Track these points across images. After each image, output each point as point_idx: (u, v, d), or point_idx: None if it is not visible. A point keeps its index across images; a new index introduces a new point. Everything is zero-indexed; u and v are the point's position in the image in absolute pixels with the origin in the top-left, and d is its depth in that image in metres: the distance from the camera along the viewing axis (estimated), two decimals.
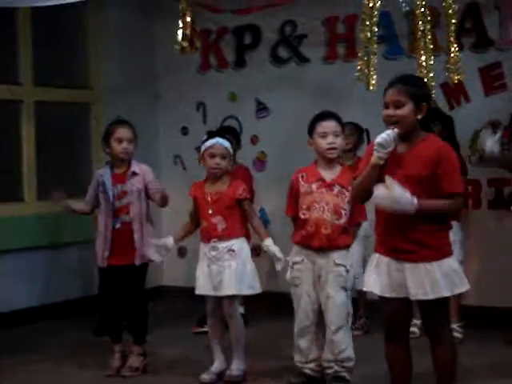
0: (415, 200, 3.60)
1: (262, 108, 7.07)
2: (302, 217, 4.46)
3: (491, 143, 5.13)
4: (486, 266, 6.03)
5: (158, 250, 4.83)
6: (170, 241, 4.81)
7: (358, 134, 5.83)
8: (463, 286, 3.81)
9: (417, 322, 5.26)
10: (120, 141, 5.02)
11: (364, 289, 3.98)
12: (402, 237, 3.72)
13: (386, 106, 3.76)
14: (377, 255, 3.84)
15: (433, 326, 3.83)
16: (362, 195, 3.88)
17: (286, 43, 6.92)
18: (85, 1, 5.81)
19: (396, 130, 3.68)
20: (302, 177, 4.51)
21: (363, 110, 6.18)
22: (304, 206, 4.45)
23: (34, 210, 6.42)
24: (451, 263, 3.76)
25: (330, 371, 4.48)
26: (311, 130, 4.50)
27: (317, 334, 4.49)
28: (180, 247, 7.08)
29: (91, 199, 5.12)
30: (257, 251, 6.99)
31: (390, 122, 3.72)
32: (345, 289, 4.44)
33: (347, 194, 4.38)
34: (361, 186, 3.83)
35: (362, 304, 5.80)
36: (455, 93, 6.16)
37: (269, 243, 4.67)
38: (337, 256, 4.41)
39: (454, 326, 5.56)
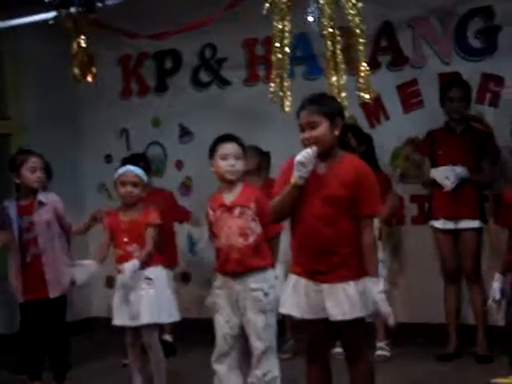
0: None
1: (185, 133, 7.03)
2: (216, 245, 4.39)
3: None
4: (411, 282, 6.05)
5: (83, 271, 4.71)
6: (93, 263, 4.72)
7: (259, 157, 5.80)
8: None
9: None
10: (33, 170, 4.93)
11: (282, 311, 3.94)
12: (318, 259, 3.70)
13: (302, 129, 3.73)
14: (294, 276, 3.81)
15: (350, 346, 3.81)
16: (280, 215, 3.84)
17: (207, 67, 6.91)
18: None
19: (315, 148, 3.66)
20: (210, 205, 4.44)
21: (286, 130, 6.15)
22: (214, 234, 4.39)
23: None
24: (366, 283, 3.73)
25: None
26: (212, 153, 4.42)
27: (237, 361, 4.40)
28: (108, 277, 6.96)
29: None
30: (186, 278, 6.97)
31: (308, 145, 3.70)
32: (264, 312, 4.35)
33: (250, 212, 4.30)
34: (280, 206, 3.77)
35: (289, 326, 5.76)
36: (375, 111, 6.21)
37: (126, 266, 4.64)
38: (252, 280, 4.31)
39: (381, 344, 5.59)
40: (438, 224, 5.52)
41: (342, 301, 3.67)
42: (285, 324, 5.58)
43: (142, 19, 6.32)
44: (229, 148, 4.37)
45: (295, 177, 3.67)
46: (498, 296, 4.46)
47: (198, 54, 6.91)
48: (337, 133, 3.72)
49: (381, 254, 5.53)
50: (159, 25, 6.10)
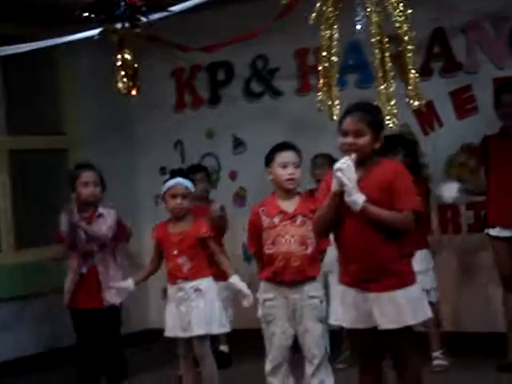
0: (362, 199, 3.56)
1: (238, 143, 7.06)
2: (268, 252, 4.35)
3: (448, 193, 5.28)
4: (470, 291, 5.94)
5: (119, 293, 4.79)
6: (130, 283, 4.78)
7: (329, 165, 5.78)
8: (426, 314, 3.77)
9: None
10: (86, 184, 5.01)
11: (332, 322, 3.92)
12: (363, 266, 3.68)
13: (345, 134, 3.70)
14: (342, 287, 3.79)
15: (397, 355, 3.76)
16: (324, 227, 3.81)
17: (259, 78, 6.92)
18: (55, 45, 5.80)
19: (354, 156, 3.63)
20: (263, 211, 4.41)
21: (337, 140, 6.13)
22: (269, 241, 4.34)
23: (12, 259, 6.35)
24: (414, 291, 3.72)
25: None
26: (270, 160, 4.41)
27: (288, 372, 4.39)
28: (164, 289, 7.00)
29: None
30: None
31: (348, 150, 3.67)
32: (321, 320, 4.34)
33: (310, 222, 4.26)
34: (323, 217, 3.75)
35: (346, 336, 5.70)
36: (428, 118, 6.13)
37: (235, 280, 4.62)
38: (309, 288, 4.31)
39: (437, 353, 5.50)
40: (494, 232, 5.40)
41: (390, 309, 3.64)
42: (342, 334, 5.55)
43: (191, 32, 6.36)
44: (288, 156, 4.37)
45: (335, 186, 3.63)
46: None
47: (250, 65, 6.93)
48: (377, 146, 3.71)
49: (431, 263, 5.48)
50: (209, 37, 6.12)
